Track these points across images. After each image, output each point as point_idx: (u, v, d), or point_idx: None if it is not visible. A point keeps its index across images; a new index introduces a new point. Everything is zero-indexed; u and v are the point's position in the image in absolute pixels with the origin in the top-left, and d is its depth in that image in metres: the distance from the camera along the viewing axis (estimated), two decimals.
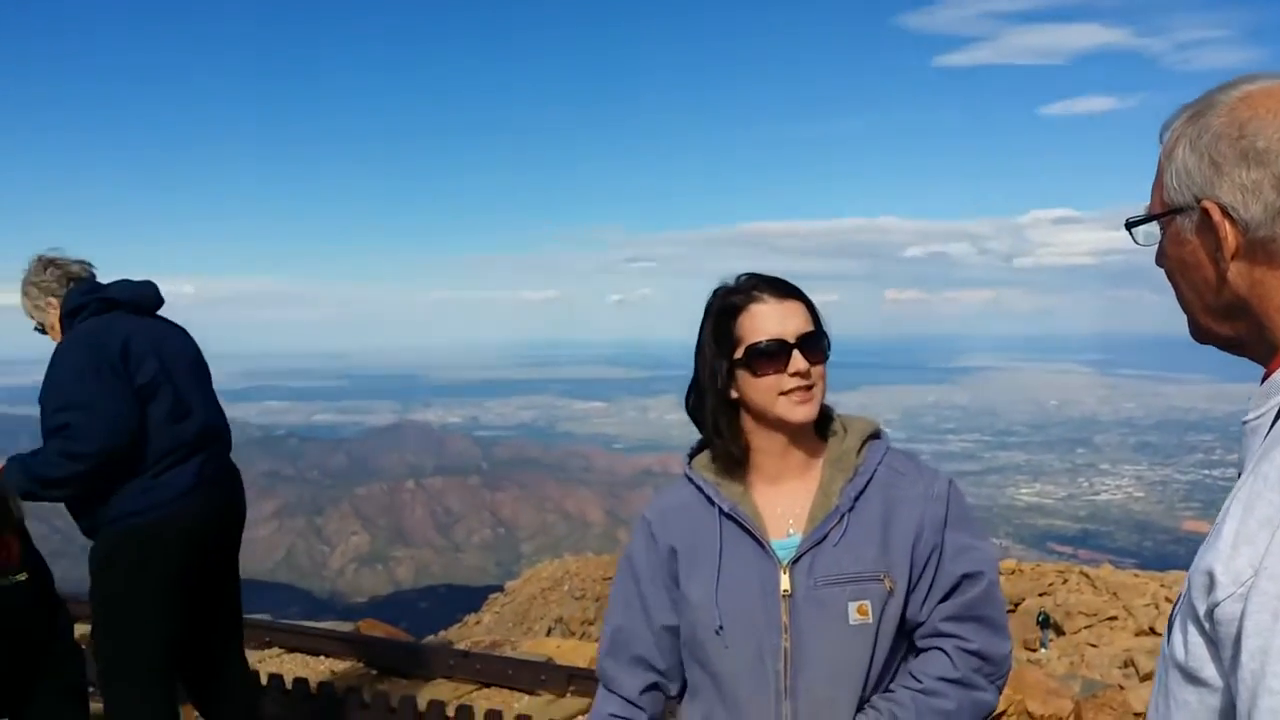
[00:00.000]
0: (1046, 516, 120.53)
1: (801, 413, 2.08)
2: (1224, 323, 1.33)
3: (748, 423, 2.15)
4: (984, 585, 2.08)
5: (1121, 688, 8.70)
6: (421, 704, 5.57)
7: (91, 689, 4.05)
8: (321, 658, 7.03)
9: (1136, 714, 7.66)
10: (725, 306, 2.12)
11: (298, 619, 10.12)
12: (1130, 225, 1.41)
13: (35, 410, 4.12)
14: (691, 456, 2.24)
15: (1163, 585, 17.62)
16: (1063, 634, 16.85)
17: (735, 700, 2.08)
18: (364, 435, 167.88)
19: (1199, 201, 1.27)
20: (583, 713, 5.82)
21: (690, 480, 2.19)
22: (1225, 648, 1.12)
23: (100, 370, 4.00)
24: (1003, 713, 6.42)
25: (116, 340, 4.10)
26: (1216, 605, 1.11)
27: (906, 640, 2.12)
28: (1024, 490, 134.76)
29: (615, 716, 2.23)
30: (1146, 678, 11.91)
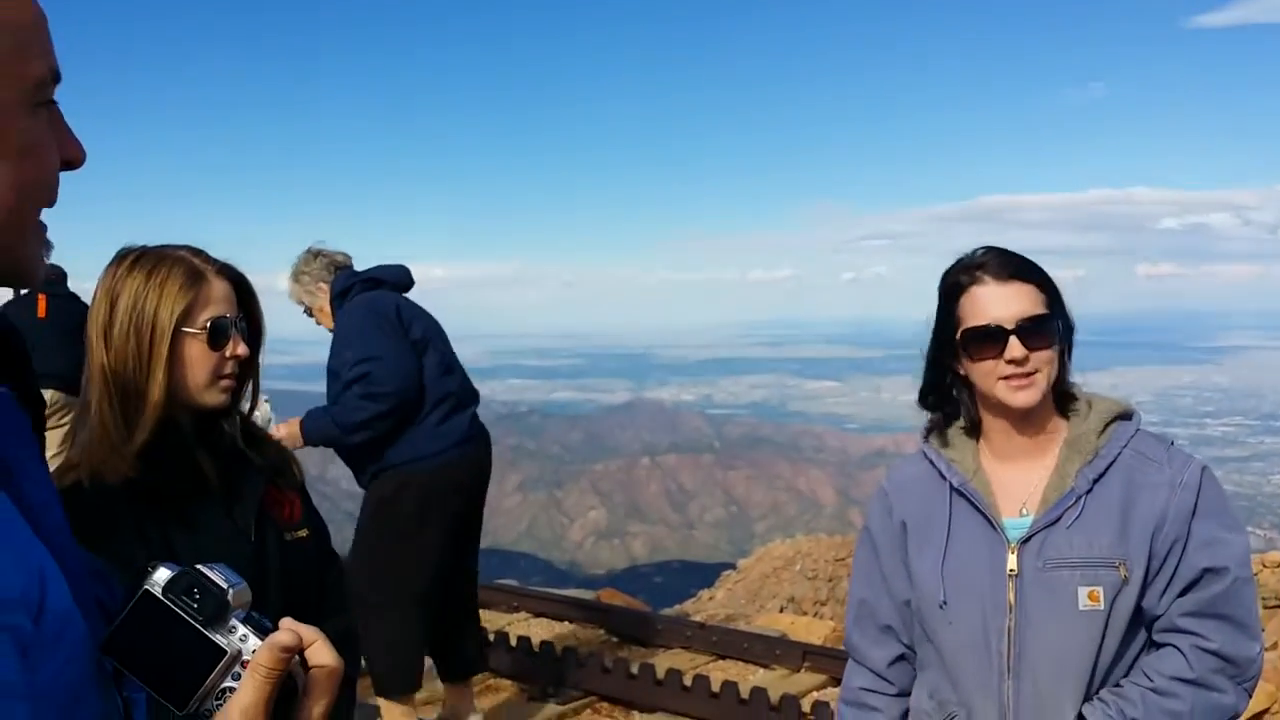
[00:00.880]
0: None
1: (1020, 398, 2.03)
2: None
3: (978, 399, 2.14)
4: (1229, 581, 1.98)
5: None
6: (660, 672, 5.74)
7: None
8: (565, 623, 7.29)
9: None
10: (950, 285, 2.11)
11: (541, 587, 10.51)
12: None
13: (309, 386, 4.71)
14: (929, 432, 2.26)
15: None
16: None
17: (959, 676, 2.07)
18: (600, 412, 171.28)
19: None
20: (817, 688, 5.88)
21: (925, 455, 2.20)
22: None
23: (383, 328, 4.58)
24: (1265, 711, 6.09)
25: (390, 306, 4.69)
26: None
27: (1143, 633, 2.05)
28: None
29: (865, 690, 2.26)
30: None
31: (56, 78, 0.85)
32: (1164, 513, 1.99)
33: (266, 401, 3.56)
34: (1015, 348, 2.01)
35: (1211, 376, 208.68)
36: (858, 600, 2.29)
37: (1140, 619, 2.03)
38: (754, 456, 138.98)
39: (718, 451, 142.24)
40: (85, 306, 2.66)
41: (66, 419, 3.72)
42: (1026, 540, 2.04)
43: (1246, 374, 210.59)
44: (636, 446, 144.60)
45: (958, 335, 2.07)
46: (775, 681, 5.94)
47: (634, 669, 5.83)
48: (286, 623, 0.93)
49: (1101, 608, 1.98)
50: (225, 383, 2.09)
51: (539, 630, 7.15)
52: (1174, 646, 2.00)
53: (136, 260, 2.08)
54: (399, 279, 4.93)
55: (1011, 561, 2.04)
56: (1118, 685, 2.02)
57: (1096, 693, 2.02)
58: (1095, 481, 2.04)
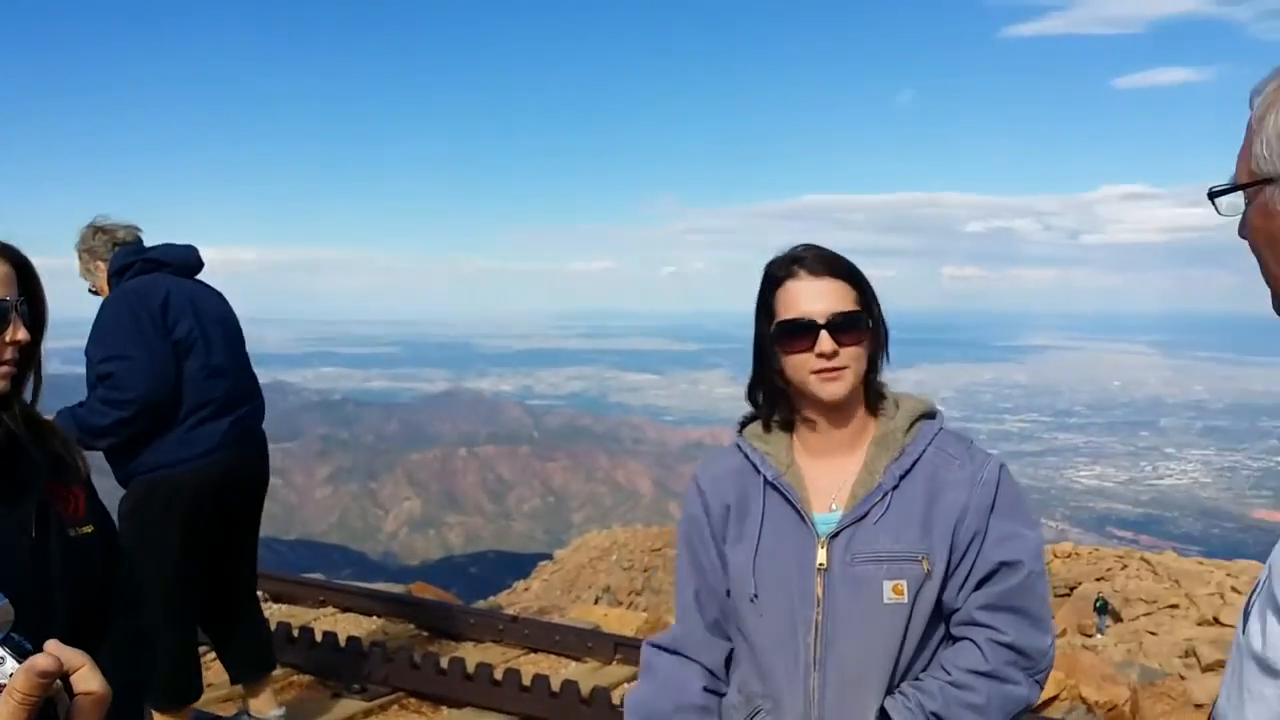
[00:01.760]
0: (1106, 500, 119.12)
1: (829, 390, 2.06)
2: None
3: (793, 393, 2.15)
4: (1023, 575, 2.03)
5: (1182, 678, 8.63)
6: (470, 666, 5.65)
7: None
8: (374, 618, 7.13)
9: (1197, 705, 7.59)
10: (768, 278, 2.12)
11: (351, 580, 10.28)
12: (1213, 195, 1.35)
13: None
14: (743, 425, 2.25)
15: (1229, 575, 17.39)
16: (1120, 620, 16.72)
17: (767, 669, 2.08)
18: (418, 402, 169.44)
19: None
20: (629, 680, 5.88)
21: (740, 448, 2.20)
22: None
23: (140, 323, 4.22)
24: (1055, 697, 6.40)
25: (157, 296, 4.31)
26: None
27: (944, 626, 2.09)
28: (1083, 473, 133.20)
29: (708, 692, 2.21)
30: (1209, 669, 11.78)
31: None
32: (964, 508, 2.04)
33: None
34: (825, 341, 2.03)
35: (1012, 374, 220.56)
36: (691, 592, 2.25)
37: (941, 612, 2.07)
38: (573, 448, 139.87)
39: (536, 442, 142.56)
40: None
41: None
42: (835, 535, 2.06)
43: (1044, 373, 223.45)
44: (454, 436, 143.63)
45: (773, 327, 2.09)
46: (587, 674, 5.92)
47: (443, 663, 5.72)
48: (51, 645, 0.88)
49: (905, 601, 2.01)
50: (4, 369, 1.95)
51: (346, 625, 6.97)
52: (970, 640, 2.04)
53: None
54: (183, 261, 4.56)
55: (820, 556, 2.05)
56: (918, 679, 2.05)
57: (899, 685, 2.04)
58: (901, 478, 2.07)
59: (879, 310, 2.14)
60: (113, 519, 2.24)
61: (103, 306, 4.34)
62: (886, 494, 2.06)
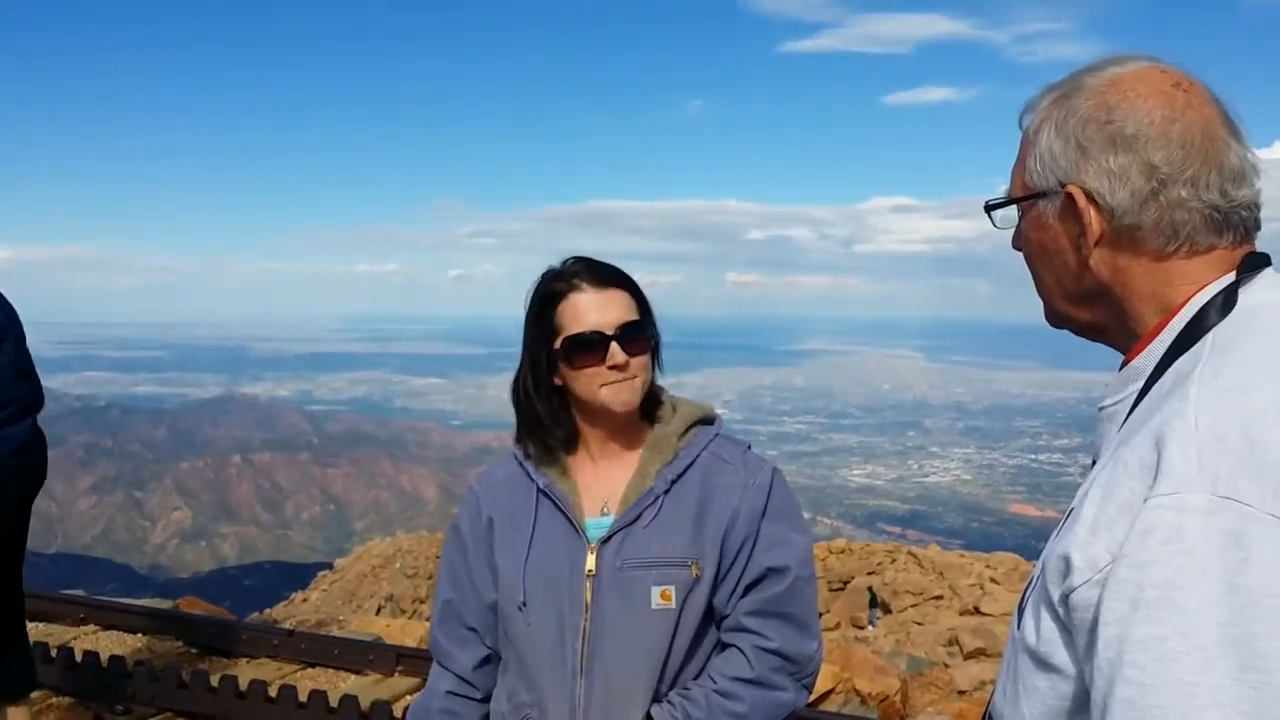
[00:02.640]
0: (877, 497, 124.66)
1: (621, 401, 2.07)
2: (1083, 309, 1.33)
3: (574, 409, 2.15)
4: (789, 581, 2.06)
5: (947, 665, 9.10)
6: (243, 684, 5.45)
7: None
8: (139, 635, 6.81)
9: (960, 692, 8.04)
10: (546, 294, 2.10)
11: (115, 595, 9.74)
12: (989, 208, 1.39)
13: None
14: (521, 438, 2.23)
15: (988, 566, 18.46)
16: (889, 612, 17.52)
17: (535, 677, 2.08)
18: (188, 408, 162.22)
19: (1064, 186, 1.26)
20: (411, 692, 5.80)
21: (515, 456, 2.19)
22: (1080, 634, 1.11)
23: None
24: (830, 691, 6.63)
25: None
26: (1072, 591, 1.11)
27: (715, 632, 2.11)
28: (856, 472, 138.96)
29: (452, 694, 2.21)
30: (970, 655, 12.52)
31: None
32: (735, 513, 2.06)
33: None
34: (617, 353, 2.04)
35: (790, 378, 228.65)
36: (444, 600, 2.25)
37: (713, 618, 2.09)
38: (355, 454, 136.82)
39: (316, 449, 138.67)
40: None
41: None
42: (606, 540, 2.06)
43: (820, 376, 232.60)
44: (227, 444, 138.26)
45: (558, 343, 2.08)
46: (367, 687, 5.80)
47: (214, 681, 5.50)
48: None
49: (673, 607, 2.02)
50: None
51: (109, 643, 6.65)
52: (737, 647, 2.06)
53: None
54: None
55: (590, 562, 2.06)
56: (685, 687, 2.06)
57: (667, 693, 2.05)
58: (674, 482, 2.08)
59: (655, 320, 2.15)
60: None
61: None
62: (658, 498, 2.06)
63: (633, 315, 2.07)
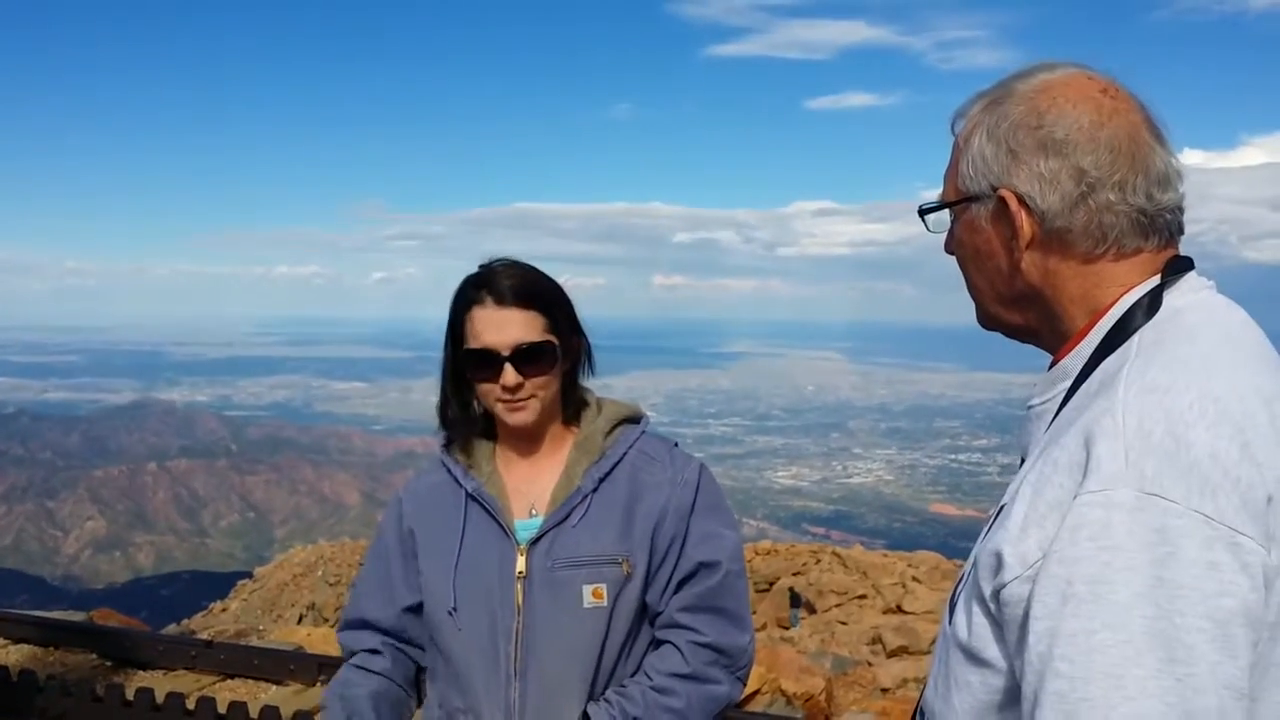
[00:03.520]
0: (802, 498, 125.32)
1: (515, 419, 2.08)
2: (1014, 311, 1.35)
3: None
4: (721, 575, 2.07)
5: (870, 664, 9.19)
6: (159, 696, 5.34)
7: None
8: (51, 648, 6.65)
9: (884, 689, 8.11)
10: (458, 300, 2.10)
11: (27, 608, 9.47)
12: (923, 212, 1.41)
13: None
14: (449, 442, 2.24)
15: (910, 565, 18.65)
16: (814, 612, 17.64)
17: (467, 682, 2.07)
18: (101, 414, 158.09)
19: (995, 190, 1.28)
20: None
21: (443, 462, 2.19)
22: (1011, 629, 1.13)
23: None
24: (756, 691, 6.65)
25: None
26: (1003, 587, 1.12)
27: (649, 629, 2.11)
28: (781, 473, 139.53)
29: (357, 668, 2.18)
30: (893, 654, 12.65)
31: None
32: (664, 509, 2.07)
33: None
34: (509, 375, 2.03)
35: (716, 380, 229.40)
36: (355, 603, 2.25)
37: (645, 614, 2.10)
38: (275, 460, 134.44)
39: (234, 455, 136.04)
40: None
41: None
42: (536, 541, 2.06)
43: (745, 378, 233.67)
44: (142, 450, 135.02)
45: (460, 353, 2.09)
46: (289, 698, 5.71)
47: (129, 695, 5.37)
48: None
49: (605, 605, 2.02)
50: None
51: (19, 657, 6.50)
52: (671, 643, 2.07)
53: None
54: None
55: (520, 563, 2.05)
56: (622, 685, 2.06)
57: (603, 691, 2.05)
58: (601, 481, 2.09)
59: (576, 326, 2.15)
60: None
61: None
62: (586, 497, 2.08)
63: (533, 336, 2.05)
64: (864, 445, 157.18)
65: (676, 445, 2.21)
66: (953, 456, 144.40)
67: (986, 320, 1.40)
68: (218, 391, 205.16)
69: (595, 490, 2.08)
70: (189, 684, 5.94)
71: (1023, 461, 1.29)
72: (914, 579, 17.77)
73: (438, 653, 2.13)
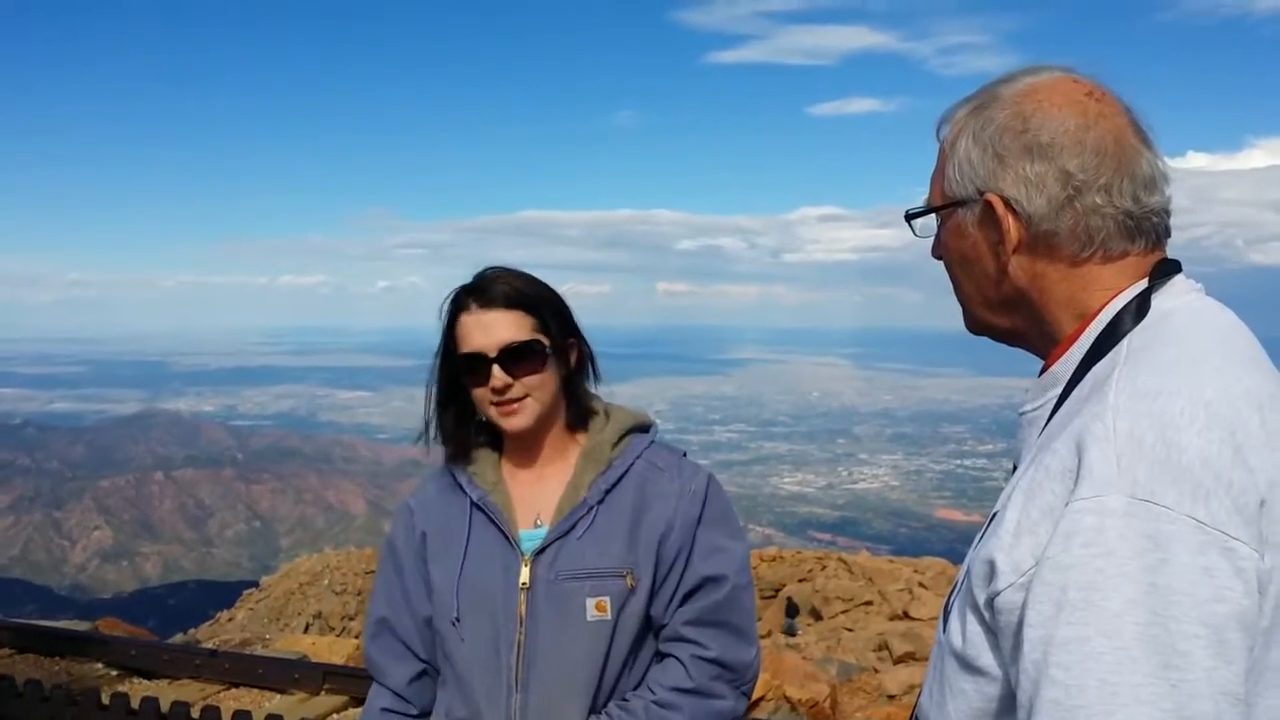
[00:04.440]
0: (808, 504, 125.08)
1: (510, 423, 2.07)
2: (1002, 315, 1.35)
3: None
4: (727, 589, 2.05)
5: (876, 670, 9.18)
6: (164, 705, 5.34)
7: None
8: (57, 658, 6.65)
9: (890, 696, 8.10)
10: (447, 309, 2.11)
11: (34, 618, 9.50)
12: (910, 217, 1.41)
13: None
14: (453, 451, 2.22)
15: (916, 571, 18.61)
16: (821, 619, 17.61)
17: (470, 692, 2.06)
18: (108, 424, 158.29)
19: (982, 194, 1.28)
20: (337, 710, 5.72)
21: (448, 470, 2.19)
22: (1005, 637, 1.12)
23: None
24: (762, 698, 6.65)
25: None
26: (997, 594, 1.11)
27: (653, 642, 2.10)
28: (787, 479, 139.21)
29: (386, 710, 2.19)
30: (899, 660, 12.62)
31: None
32: (671, 521, 2.05)
33: None
34: (498, 376, 2.03)
35: (720, 387, 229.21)
36: (377, 618, 2.23)
37: (650, 627, 2.08)
38: (280, 469, 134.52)
39: (240, 464, 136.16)
40: None
41: None
42: (541, 552, 2.05)
43: (750, 384, 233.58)
44: (149, 461, 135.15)
45: (454, 359, 2.09)
46: (293, 706, 5.71)
47: (135, 704, 5.38)
48: None
49: (608, 618, 2.01)
50: None
51: (25, 667, 6.49)
52: (675, 657, 2.05)
53: None
54: None
55: (524, 574, 2.04)
56: (624, 699, 2.05)
57: (605, 705, 2.04)
58: (608, 492, 2.08)
59: (572, 328, 2.14)
60: None
61: None
62: (592, 508, 2.06)
63: (521, 335, 2.05)
64: (870, 451, 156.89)
65: (685, 454, 2.19)
66: (959, 462, 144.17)
67: (974, 324, 1.40)
68: (223, 401, 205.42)
69: (601, 502, 2.07)
70: (194, 693, 5.94)
71: (1015, 468, 1.29)
72: (920, 585, 17.73)
73: (445, 663, 2.13)
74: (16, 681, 5.68)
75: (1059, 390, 1.26)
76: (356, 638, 10.48)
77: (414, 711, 2.20)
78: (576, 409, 2.16)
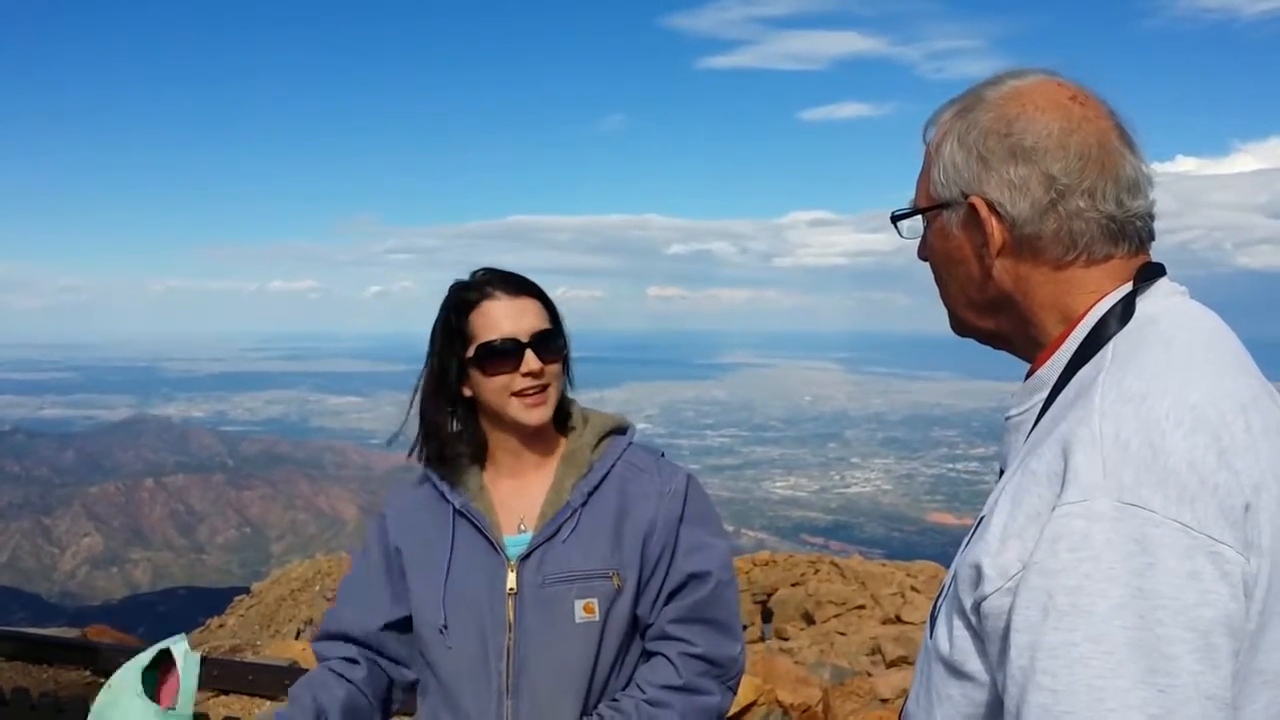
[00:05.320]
0: (800, 509, 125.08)
1: (534, 415, 2.07)
2: (987, 317, 1.35)
3: (483, 420, 2.14)
4: (711, 586, 2.07)
5: (869, 674, 9.17)
6: None
7: None
8: (44, 666, 6.61)
9: (883, 700, 8.09)
10: (458, 303, 2.10)
11: (23, 625, 9.44)
12: (895, 219, 1.42)
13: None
14: (432, 459, 2.20)
15: (908, 575, 18.61)
16: (813, 623, 17.60)
17: (458, 700, 2.06)
18: (97, 430, 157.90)
19: (966, 197, 1.28)
20: None
21: (428, 476, 2.17)
22: (992, 642, 1.12)
23: None
24: (754, 703, 6.63)
25: None
26: (984, 599, 1.11)
27: (640, 640, 2.11)
28: (779, 483, 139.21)
29: (332, 672, 2.15)
30: (892, 664, 12.61)
31: None
32: (654, 521, 2.06)
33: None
34: (531, 360, 2.03)
35: (711, 391, 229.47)
36: (332, 616, 2.22)
37: (637, 627, 2.09)
38: (271, 474, 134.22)
39: (231, 470, 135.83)
40: None
41: None
42: (526, 557, 2.05)
43: (742, 389, 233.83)
44: (139, 467, 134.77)
45: (470, 352, 2.06)
46: None
47: None
48: None
49: (597, 619, 2.01)
50: None
51: (13, 675, 6.45)
52: (663, 655, 2.06)
53: None
54: None
55: (511, 579, 2.04)
56: (615, 699, 2.05)
57: (595, 706, 2.05)
58: (590, 494, 2.08)
59: (565, 331, 2.16)
60: None
61: None
62: (575, 511, 2.07)
63: (546, 324, 2.08)
64: (861, 455, 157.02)
65: (664, 455, 2.20)
66: (950, 465, 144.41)
67: (958, 326, 1.41)
68: (213, 407, 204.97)
69: (584, 504, 2.07)
70: None
71: (1002, 472, 1.29)
72: (913, 589, 17.73)
73: (428, 670, 2.12)
74: (3, 690, 5.65)
75: (1045, 394, 1.26)
76: None
77: (350, 677, 2.14)
78: (562, 412, 2.17)
